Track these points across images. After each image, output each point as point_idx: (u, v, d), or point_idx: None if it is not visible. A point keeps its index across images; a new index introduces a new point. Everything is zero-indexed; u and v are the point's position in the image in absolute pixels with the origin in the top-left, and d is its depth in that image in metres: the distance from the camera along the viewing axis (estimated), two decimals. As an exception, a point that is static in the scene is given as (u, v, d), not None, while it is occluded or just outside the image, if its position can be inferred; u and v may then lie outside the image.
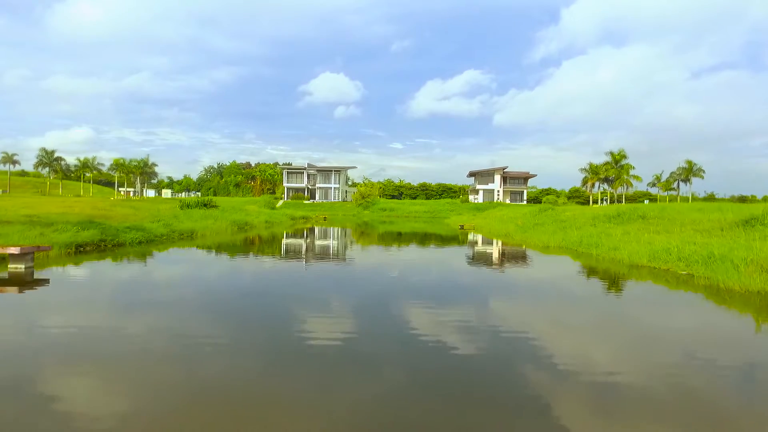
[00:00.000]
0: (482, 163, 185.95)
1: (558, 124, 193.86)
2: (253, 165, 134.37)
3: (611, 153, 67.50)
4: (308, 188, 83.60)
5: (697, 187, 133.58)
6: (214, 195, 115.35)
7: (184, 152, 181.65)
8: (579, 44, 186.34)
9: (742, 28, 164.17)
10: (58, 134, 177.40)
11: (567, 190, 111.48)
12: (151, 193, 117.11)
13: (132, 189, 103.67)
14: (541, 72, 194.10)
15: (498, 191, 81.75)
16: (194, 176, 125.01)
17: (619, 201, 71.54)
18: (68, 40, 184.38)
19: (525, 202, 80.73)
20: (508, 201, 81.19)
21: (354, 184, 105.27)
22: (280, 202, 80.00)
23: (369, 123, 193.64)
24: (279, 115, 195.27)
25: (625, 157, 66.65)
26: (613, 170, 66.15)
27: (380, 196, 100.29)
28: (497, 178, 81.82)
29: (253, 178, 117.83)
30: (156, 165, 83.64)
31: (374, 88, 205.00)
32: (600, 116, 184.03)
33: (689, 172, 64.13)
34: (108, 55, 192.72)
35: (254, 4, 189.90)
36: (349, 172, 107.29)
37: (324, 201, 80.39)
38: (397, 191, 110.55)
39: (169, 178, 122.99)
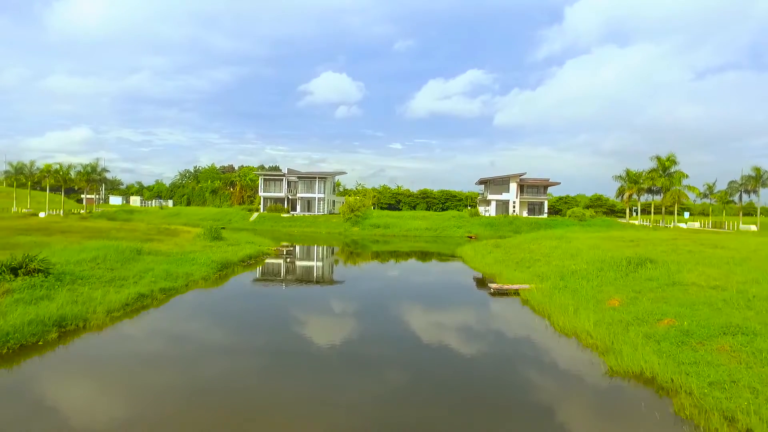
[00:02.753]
0: (482, 163, 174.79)
1: (559, 124, 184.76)
2: (236, 168, 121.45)
3: (658, 158, 54.36)
4: (288, 198, 70.45)
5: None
6: (188, 203, 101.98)
7: (184, 152, 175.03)
8: (582, 43, 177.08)
9: (747, 28, 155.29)
10: (57, 134, 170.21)
11: (588, 197, 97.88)
12: (117, 200, 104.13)
13: (96, 196, 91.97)
14: (543, 71, 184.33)
15: (514, 202, 68.84)
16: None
17: (669, 214, 58.59)
18: (68, 39, 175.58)
19: (546, 215, 67.95)
20: (525, 214, 68.32)
21: (345, 191, 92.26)
22: (255, 215, 66.91)
23: (369, 123, 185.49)
24: (279, 116, 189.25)
25: (675, 163, 53.55)
26: (661, 179, 53.13)
27: (375, 206, 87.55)
28: (513, 186, 68.87)
29: (233, 184, 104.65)
30: (107, 171, 70.35)
31: (376, 87, 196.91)
32: (601, 116, 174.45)
33: (757, 181, 51.21)
34: (108, 55, 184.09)
35: (255, 4, 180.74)
36: (345, 175, 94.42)
37: (306, 214, 67.42)
38: (394, 199, 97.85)
39: (139, 183, 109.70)
